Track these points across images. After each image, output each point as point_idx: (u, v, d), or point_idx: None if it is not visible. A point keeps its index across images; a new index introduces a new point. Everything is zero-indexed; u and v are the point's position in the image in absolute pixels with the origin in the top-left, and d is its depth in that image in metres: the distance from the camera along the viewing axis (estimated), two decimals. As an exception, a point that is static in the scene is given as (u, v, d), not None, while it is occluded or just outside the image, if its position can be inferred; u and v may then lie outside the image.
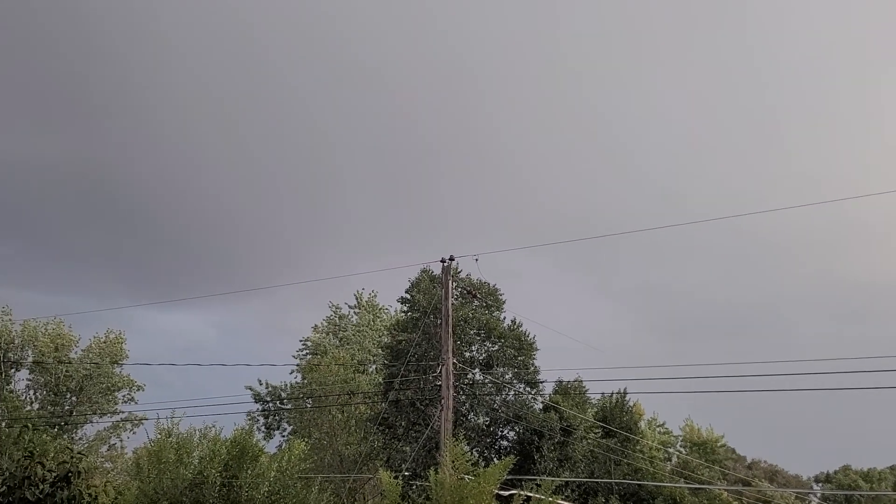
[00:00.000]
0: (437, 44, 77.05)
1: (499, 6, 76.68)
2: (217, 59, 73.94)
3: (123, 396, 40.24)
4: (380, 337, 39.58)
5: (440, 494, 15.14)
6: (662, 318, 76.81)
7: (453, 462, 15.69)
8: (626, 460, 30.32)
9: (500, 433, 28.47)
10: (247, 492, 15.19)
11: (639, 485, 29.57)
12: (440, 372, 20.82)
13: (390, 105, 79.60)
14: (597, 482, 27.91)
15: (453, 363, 20.87)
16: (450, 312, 21.20)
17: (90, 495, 10.78)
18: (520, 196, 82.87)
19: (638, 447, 32.41)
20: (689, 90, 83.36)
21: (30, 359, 38.52)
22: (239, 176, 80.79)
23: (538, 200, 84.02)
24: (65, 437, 35.16)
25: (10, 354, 37.86)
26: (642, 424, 39.10)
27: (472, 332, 28.25)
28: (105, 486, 12.58)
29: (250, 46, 73.18)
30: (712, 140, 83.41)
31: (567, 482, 25.90)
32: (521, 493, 16.01)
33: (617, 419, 31.10)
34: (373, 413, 29.70)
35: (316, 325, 43.29)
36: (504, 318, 29.27)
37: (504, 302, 29.67)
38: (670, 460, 40.77)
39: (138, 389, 40.16)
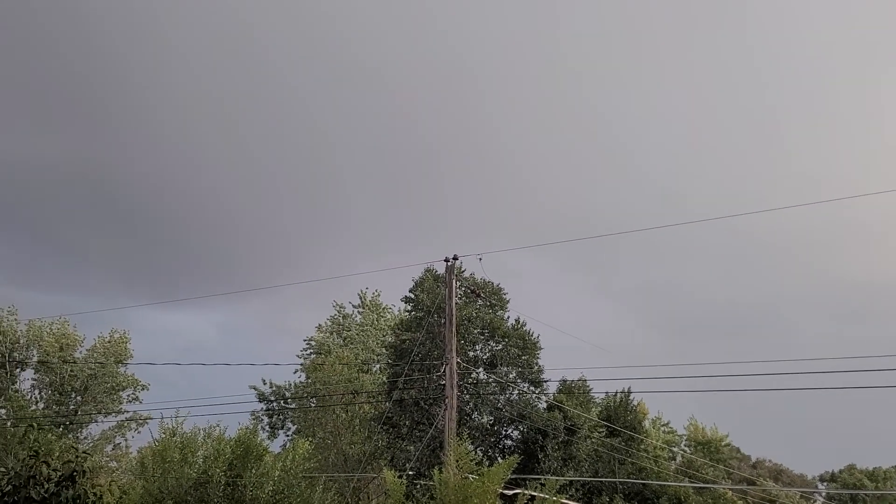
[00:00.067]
0: (437, 44, 77.00)
1: (499, 6, 76.62)
2: (217, 59, 74.00)
3: (128, 396, 40.37)
4: (383, 336, 39.59)
5: (444, 494, 15.16)
6: (663, 317, 76.82)
7: (457, 461, 15.71)
8: (630, 459, 30.26)
9: (503, 432, 28.45)
10: (251, 491, 15.23)
11: (643, 484, 29.52)
12: (444, 371, 20.81)
13: (390, 105, 79.60)
14: (601, 481, 27.86)
15: (457, 362, 20.86)
16: (453, 312, 21.20)
17: (95, 495, 10.79)
18: (520, 196, 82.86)
19: (642, 446, 32.33)
20: (689, 90, 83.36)
21: (35, 358, 38.64)
22: (239, 176, 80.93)
23: (538, 200, 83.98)
24: (70, 436, 35.31)
25: (15, 354, 38.00)
26: (646, 424, 39.02)
27: (475, 331, 28.23)
28: (110, 485, 12.60)
29: (250, 46, 73.22)
30: (712, 140, 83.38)
31: (571, 481, 25.84)
32: (525, 492, 16.05)
33: (621, 418, 31.03)
34: (377, 412, 29.71)
35: (320, 325, 43.40)
36: (508, 317, 29.30)
37: (508, 301, 29.70)
38: (675, 459, 40.69)
39: (143, 389, 40.26)
